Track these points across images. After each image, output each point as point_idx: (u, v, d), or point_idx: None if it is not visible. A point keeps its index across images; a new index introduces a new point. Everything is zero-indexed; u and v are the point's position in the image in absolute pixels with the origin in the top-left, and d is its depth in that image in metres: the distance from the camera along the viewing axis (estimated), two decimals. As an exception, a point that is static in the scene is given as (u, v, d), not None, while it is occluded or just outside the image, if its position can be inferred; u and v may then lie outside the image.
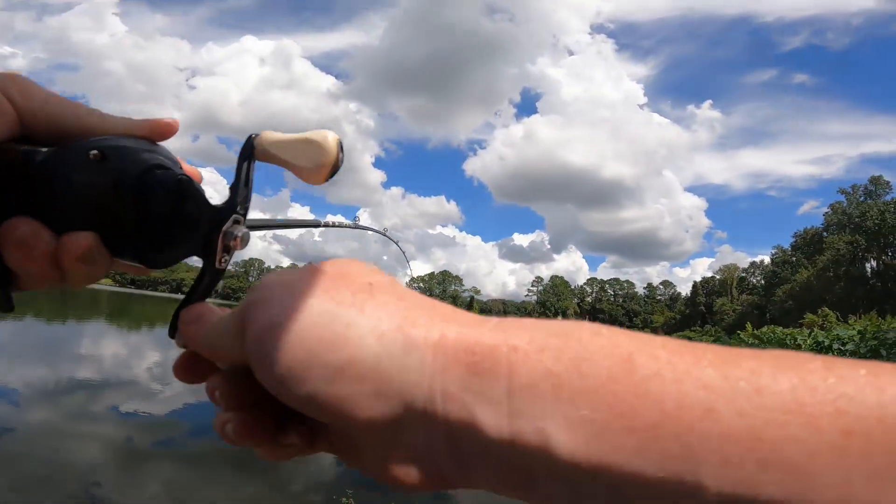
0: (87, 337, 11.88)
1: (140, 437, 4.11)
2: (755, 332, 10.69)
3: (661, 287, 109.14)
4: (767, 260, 73.81)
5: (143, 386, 6.22)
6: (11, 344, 9.26)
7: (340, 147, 0.25)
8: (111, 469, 3.37)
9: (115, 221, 0.24)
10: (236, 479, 3.33)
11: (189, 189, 0.26)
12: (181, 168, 0.27)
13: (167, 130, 0.28)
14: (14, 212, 0.23)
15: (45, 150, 0.24)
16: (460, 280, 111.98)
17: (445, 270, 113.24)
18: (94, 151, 0.24)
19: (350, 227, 0.47)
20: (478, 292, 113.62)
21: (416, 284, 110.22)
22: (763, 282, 71.71)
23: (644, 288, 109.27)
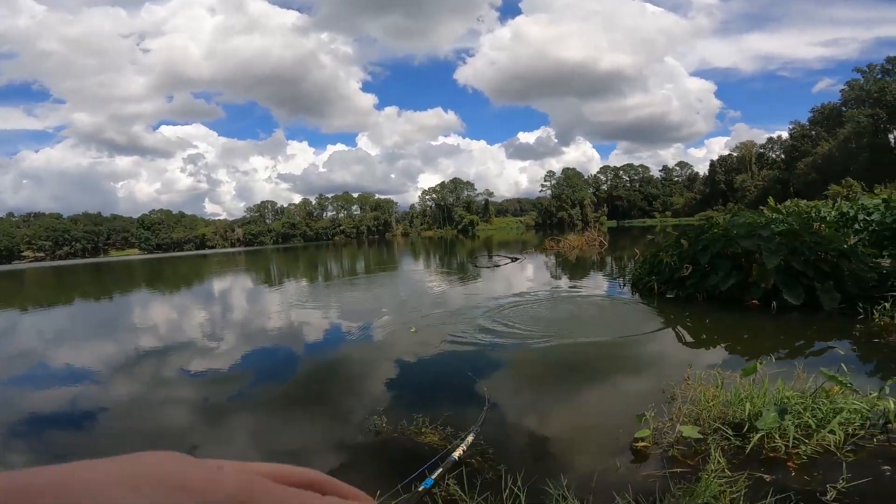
0: (136, 307, 12.51)
1: (214, 394, 4.33)
2: (777, 205, 10.52)
3: (678, 168, 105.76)
4: (785, 135, 71.11)
5: (200, 345, 6.51)
6: (73, 328, 9.80)
7: None
8: (204, 428, 3.58)
9: None
10: (307, 416, 3.56)
11: None
12: None
13: None
14: None
15: None
16: (472, 185, 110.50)
17: (456, 178, 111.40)
18: None
19: None
20: (491, 195, 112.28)
21: (428, 196, 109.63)
22: (783, 156, 69.69)
23: (660, 171, 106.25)
